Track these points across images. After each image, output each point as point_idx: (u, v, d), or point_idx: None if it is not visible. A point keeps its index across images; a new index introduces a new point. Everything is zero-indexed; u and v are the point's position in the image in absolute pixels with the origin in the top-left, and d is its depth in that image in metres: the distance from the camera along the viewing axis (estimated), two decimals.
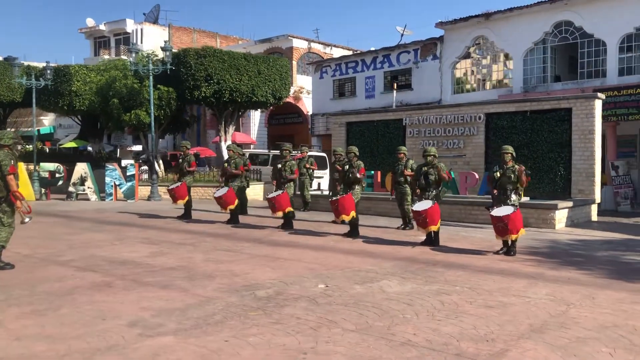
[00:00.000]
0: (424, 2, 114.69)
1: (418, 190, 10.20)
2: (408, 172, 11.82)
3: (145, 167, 23.80)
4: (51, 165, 21.67)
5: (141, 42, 38.16)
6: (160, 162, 24.69)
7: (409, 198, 11.93)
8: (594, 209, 14.55)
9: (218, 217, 13.86)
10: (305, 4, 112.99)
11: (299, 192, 15.63)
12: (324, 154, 23.59)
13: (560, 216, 12.90)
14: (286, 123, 35.63)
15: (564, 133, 14.32)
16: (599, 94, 14.48)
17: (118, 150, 35.58)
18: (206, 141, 35.53)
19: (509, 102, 16.44)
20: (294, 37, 34.62)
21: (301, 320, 5.37)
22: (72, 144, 34.29)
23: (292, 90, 29.43)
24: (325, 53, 35.80)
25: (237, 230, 12.15)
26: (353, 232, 11.13)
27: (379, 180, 16.14)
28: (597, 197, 14.20)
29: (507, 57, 23.75)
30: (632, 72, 20.08)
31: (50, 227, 12.39)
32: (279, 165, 12.63)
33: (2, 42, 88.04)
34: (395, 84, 26.72)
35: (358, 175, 11.12)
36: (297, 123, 34.94)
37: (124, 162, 21.53)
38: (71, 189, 20.16)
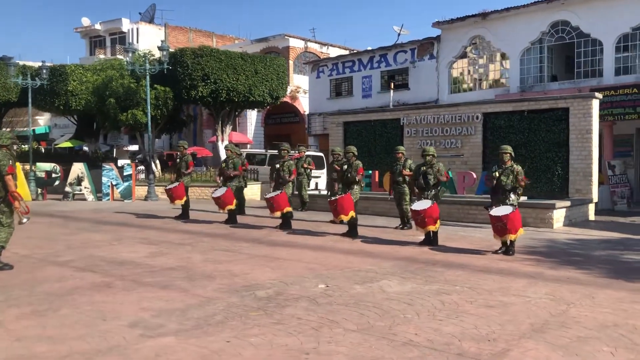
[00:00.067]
0: (421, 2, 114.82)
1: (417, 190, 10.21)
2: (407, 172, 11.83)
3: (141, 167, 23.76)
4: (47, 165, 21.60)
5: (137, 42, 38.01)
6: (157, 161, 24.66)
7: (408, 198, 11.95)
8: (592, 208, 14.60)
9: (216, 217, 13.84)
10: (301, 4, 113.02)
11: (296, 192, 15.63)
12: (321, 154, 23.59)
13: (558, 215, 12.93)
14: (283, 123, 35.60)
15: (562, 132, 14.36)
16: (596, 94, 14.53)
17: (114, 150, 35.48)
18: (202, 141, 35.46)
19: (506, 102, 16.48)
20: (290, 37, 34.58)
21: (302, 320, 5.37)
22: (68, 144, 34.21)
23: (288, 89, 29.39)
24: (322, 53, 35.78)
25: (235, 230, 12.13)
26: (352, 231, 11.13)
27: (377, 180, 16.19)
28: (595, 196, 14.25)
29: (503, 56, 23.80)
30: (628, 72, 20.16)
31: (47, 228, 12.35)
32: (277, 165, 12.62)
33: None
34: (392, 84, 26.74)
35: (357, 178, 11.15)
36: (294, 123, 34.91)
37: (120, 162, 21.52)
38: (68, 189, 20.11)
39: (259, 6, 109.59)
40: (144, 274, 7.51)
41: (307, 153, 17.54)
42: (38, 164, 21.67)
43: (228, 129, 25.37)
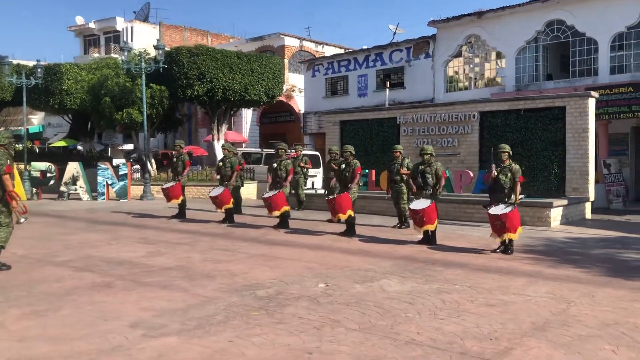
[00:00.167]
0: (417, 1, 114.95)
1: (415, 189, 10.22)
2: (404, 170, 11.83)
3: (137, 166, 23.69)
4: (42, 165, 21.52)
5: (131, 40, 37.91)
6: (152, 161, 24.59)
7: (405, 197, 11.96)
8: (588, 206, 14.64)
9: (212, 217, 13.81)
10: (296, 2, 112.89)
11: (293, 191, 15.62)
12: (317, 153, 23.58)
13: (555, 214, 12.97)
14: (278, 122, 35.57)
15: (558, 131, 14.40)
16: (593, 93, 14.58)
17: (109, 149, 35.36)
18: (197, 140, 35.39)
19: (503, 101, 16.50)
20: (285, 36, 34.54)
21: (304, 319, 5.36)
22: (62, 143, 34.05)
23: (284, 88, 29.37)
24: (317, 51, 35.75)
25: (232, 230, 12.11)
26: (350, 230, 11.13)
27: (374, 178, 16.18)
28: (591, 195, 14.30)
29: (499, 55, 23.85)
30: (623, 71, 20.24)
31: (44, 227, 12.29)
32: (275, 165, 12.59)
33: None
34: (388, 83, 26.74)
35: (355, 179, 11.20)
36: (289, 121, 34.90)
37: (115, 161, 21.43)
38: (63, 188, 20.02)
39: (254, 5, 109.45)
40: (143, 273, 7.49)
41: (304, 152, 17.51)
42: (33, 163, 21.58)
43: (224, 128, 25.31)
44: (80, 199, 19.77)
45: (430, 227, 9.78)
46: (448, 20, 24.63)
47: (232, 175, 13.11)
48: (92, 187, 20.02)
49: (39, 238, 10.64)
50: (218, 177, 13.35)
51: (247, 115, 34.07)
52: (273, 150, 14.35)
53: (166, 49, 22.44)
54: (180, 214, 14.14)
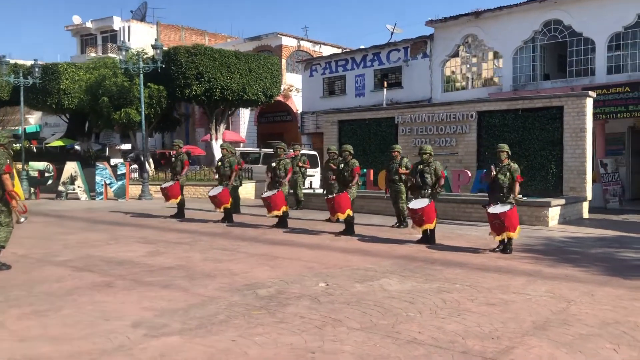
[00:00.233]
0: (414, 1, 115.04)
1: (414, 182, 10.25)
2: (403, 170, 11.85)
3: (135, 166, 23.66)
4: (40, 165, 21.46)
5: (128, 40, 37.79)
6: (151, 160, 24.56)
7: (404, 196, 11.98)
8: (586, 206, 14.68)
9: (211, 216, 13.81)
10: (293, 2, 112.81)
11: (291, 191, 15.62)
12: (314, 153, 23.59)
13: (553, 213, 13.01)
14: (275, 121, 35.56)
15: (556, 131, 14.44)
16: (590, 93, 14.62)
17: (107, 149, 35.31)
18: (195, 139, 35.35)
19: (501, 101, 16.53)
20: (283, 35, 34.53)
21: (305, 319, 5.37)
22: (59, 143, 33.98)
23: (282, 88, 29.37)
24: (315, 51, 35.75)
25: (232, 229, 12.12)
26: (349, 230, 11.15)
27: (372, 178, 16.20)
28: (589, 194, 14.34)
29: (496, 55, 23.89)
30: (620, 71, 20.29)
31: (43, 227, 12.28)
32: (273, 164, 12.60)
33: None
34: (386, 82, 26.75)
35: (354, 181, 11.23)
36: (287, 121, 34.90)
37: (113, 161, 21.39)
38: (61, 188, 19.98)
39: (251, 5, 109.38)
40: (143, 273, 7.49)
41: (302, 152, 17.52)
42: (31, 163, 21.53)
43: (222, 127, 25.31)
44: (78, 198, 19.75)
45: (429, 226, 9.81)
46: (445, 20, 24.65)
47: (231, 174, 13.11)
48: (90, 187, 19.99)
49: (39, 238, 10.62)
50: (217, 176, 13.36)
51: (245, 115, 34.06)
52: (271, 149, 14.36)
53: (164, 48, 22.43)
54: (179, 214, 14.14)
